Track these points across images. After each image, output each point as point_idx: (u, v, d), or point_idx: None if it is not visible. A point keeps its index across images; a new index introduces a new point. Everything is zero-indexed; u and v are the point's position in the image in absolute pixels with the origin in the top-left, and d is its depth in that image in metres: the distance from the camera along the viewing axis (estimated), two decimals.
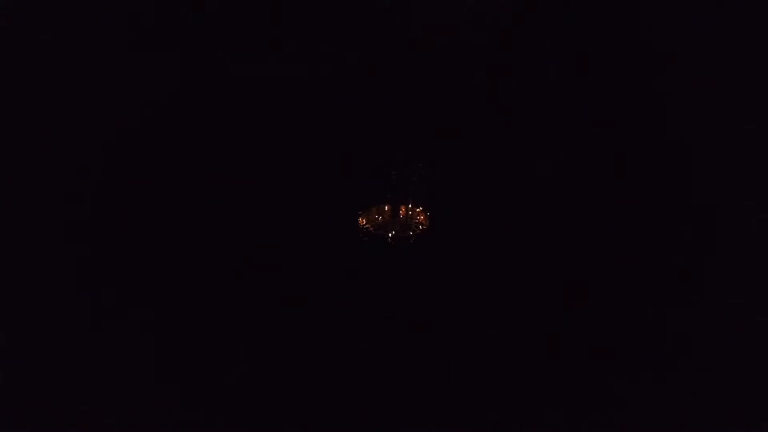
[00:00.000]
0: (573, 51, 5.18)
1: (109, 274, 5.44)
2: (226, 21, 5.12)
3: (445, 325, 5.77)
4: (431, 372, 5.75)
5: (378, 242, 5.46)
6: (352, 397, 5.66)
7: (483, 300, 5.74)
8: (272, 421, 5.50)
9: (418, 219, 5.48)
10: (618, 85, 5.26)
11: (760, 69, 4.98)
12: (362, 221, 5.47)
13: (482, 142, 5.44)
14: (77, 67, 5.18)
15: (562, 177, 5.48)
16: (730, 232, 5.36)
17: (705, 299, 5.40)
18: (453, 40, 5.15)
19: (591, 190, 5.49)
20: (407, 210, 5.47)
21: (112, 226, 5.42)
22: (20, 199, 5.30)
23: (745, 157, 5.23)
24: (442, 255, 5.69)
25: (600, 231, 5.59)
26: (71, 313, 5.39)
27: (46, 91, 5.18)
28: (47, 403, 5.23)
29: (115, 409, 5.27)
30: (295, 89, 5.26)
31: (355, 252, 5.57)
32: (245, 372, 5.54)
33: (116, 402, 5.30)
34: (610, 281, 5.63)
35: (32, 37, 5.04)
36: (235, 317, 5.64)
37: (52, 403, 5.23)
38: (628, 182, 5.45)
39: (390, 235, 5.46)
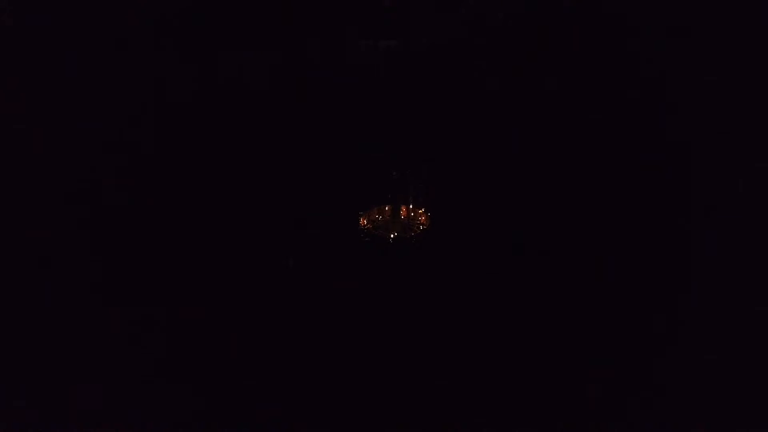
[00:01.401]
0: (573, 51, 5.20)
1: (112, 278, 5.43)
2: (226, 21, 5.14)
3: (446, 326, 5.75)
4: (432, 372, 5.72)
5: (379, 243, 5.44)
6: (351, 397, 5.62)
7: (484, 301, 5.72)
8: (270, 420, 5.46)
9: (419, 220, 5.47)
10: (618, 86, 5.28)
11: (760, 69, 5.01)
12: (363, 222, 5.45)
13: (483, 143, 5.45)
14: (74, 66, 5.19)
15: (562, 177, 5.48)
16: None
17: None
18: (453, 40, 5.17)
19: (591, 191, 5.49)
20: (408, 211, 5.46)
21: (113, 228, 5.41)
22: (20, 197, 5.30)
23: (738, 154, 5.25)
24: (443, 256, 5.68)
25: (600, 231, 5.59)
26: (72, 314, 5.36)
27: (45, 90, 5.18)
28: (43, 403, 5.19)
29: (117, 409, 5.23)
30: (296, 89, 5.27)
31: (356, 252, 5.55)
32: (244, 372, 5.50)
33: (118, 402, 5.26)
34: (611, 281, 5.62)
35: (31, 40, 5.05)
36: (235, 317, 5.62)
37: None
38: (628, 183, 5.45)
39: (391, 236, 5.44)
